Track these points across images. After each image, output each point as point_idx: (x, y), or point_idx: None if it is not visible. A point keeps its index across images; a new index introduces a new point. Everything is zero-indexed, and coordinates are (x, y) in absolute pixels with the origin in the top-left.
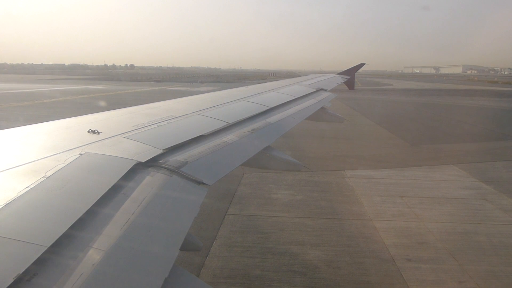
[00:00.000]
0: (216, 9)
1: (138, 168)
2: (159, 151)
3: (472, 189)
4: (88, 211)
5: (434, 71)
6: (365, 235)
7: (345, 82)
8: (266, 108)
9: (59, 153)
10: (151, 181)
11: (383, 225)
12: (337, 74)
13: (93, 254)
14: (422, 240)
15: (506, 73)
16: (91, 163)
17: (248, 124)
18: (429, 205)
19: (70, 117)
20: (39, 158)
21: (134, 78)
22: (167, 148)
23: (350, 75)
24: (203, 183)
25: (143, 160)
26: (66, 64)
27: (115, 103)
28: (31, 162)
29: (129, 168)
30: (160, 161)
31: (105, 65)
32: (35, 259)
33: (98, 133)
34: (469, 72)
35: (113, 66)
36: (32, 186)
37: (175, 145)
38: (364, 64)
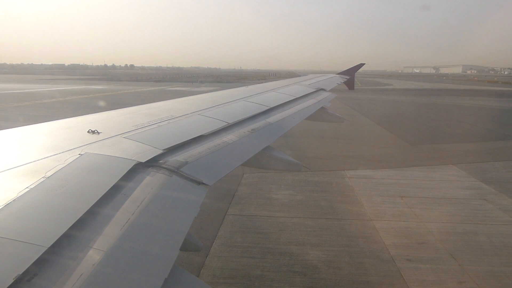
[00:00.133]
0: (216, 9)
1: (138, 168)
2: (159, 151)
3: (472, 189)
4: (88, 211)
5: (434, 71)
6: (365, 235)
7: (345, 82)
8: (266, 108)
9: (59, 153)
10: (151, 181)
11: (383, 225)
12: (337, 74)
13: (93, 254)
14: (422, 240)
15: (506, 73)
16: (91, 163)
17: (248, 124)
18: (429, 205)
19: (71, 117)
20: (39, 158)
21: (134, 78)
22: (167, 148)
23: (350, 75)
24: (203, 183)
25: (143, 160)
26: (66, 64)
27: (115, 103)
28: (31, 162)
29: (129, 168)
30: (160, 161)
31: (105, 65)
32: (35, 259)
33: (98, 133)
34: (469, 72)
35: (113, 66)
36: (32, 186)
37: (175, 145)
38: (364, 64)
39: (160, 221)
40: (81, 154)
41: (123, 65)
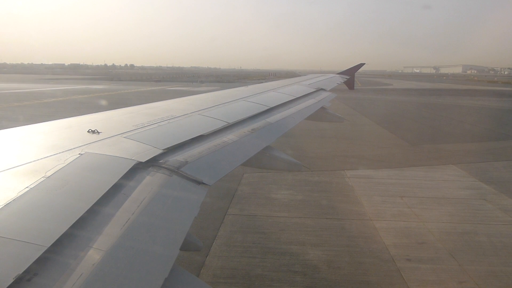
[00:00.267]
0: (216, 9)
1: (138, 168)
2: (159, 151)
3: (472, 189)
4: (88, 211)
5: (434, 71)
6: (365, 235)
7: (345, 82)
8: (266, 108)
9: (59, 153)
10: (151, 181)
11: (383, 225)
12: (337, 74)
13: (93, 254)
14: (422, 240)
15: (506, 73)
16: (91, 163)
17: (248, 124)
18: (429, 205)
19: (73, 116)
20: (39, 158)
21: (134, 78)
22: (167, 148)
23: (350, 75)
24: (203, 183)
25: (143, 160)
26: (66, 64)
27: (116, 102)
28: (31, 162)
29: (129, 168)
30: (160, 161)
31: (105, 65)
32: (35, 259)
33: (98, 133)
34: (469, 72)
35: (113, 66)
36: (32, 186)
37: (175, 145)
38: (364, 64)
39: (160, 221)
40: (81, 154)
41: (123, 65)
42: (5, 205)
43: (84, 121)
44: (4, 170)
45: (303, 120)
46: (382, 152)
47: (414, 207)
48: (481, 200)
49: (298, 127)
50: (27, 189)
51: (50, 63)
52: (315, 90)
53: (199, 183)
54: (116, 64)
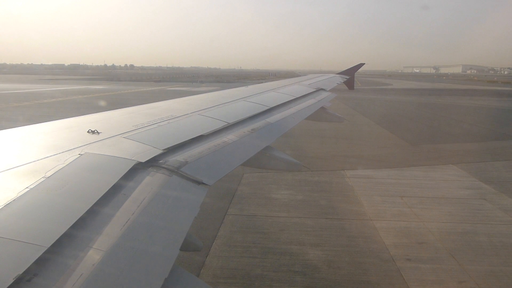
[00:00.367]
0: (216, 9)
1: (138, 168)
2: (159, 151)
3: (472, 189)
4: (88, 211)
5: (434, 71)
6: (365, 235)
7: (344, 82)
8: (266, 108)
9: (59, 153)
10: (151, 181)
11: (383, 225)
12: (337, 74)
13: (93, 254)
14: (422, 240)
15: (505, 72)
16: (91, 163)
17: (248, 124)
18: (429, 205)
19: (73, 116)
20: (39, 158)
21: (134, 78)
22: (167, 148)
23: (350, 75)
24: (203, 183)
25: (143, 160)
26: (66, 64)
27: (115, 103)
28: (31, 162)
29: (129, 168)
30: (160, 161)
31: (105, 65)
32: (35, 259)
33: (98, 133)
34: (468, 72)
35: (113, 66)
36: (32, 186)
37: (175, 145)
38: (364, 64)
39: (160, 221)
40: (81, 154)
41: (123, 65)
42: (5, 205)
43: (84, 121)
44: (4, 170)
45: (303, 120)
46: (382, 152)
47: (414, 207)
48: (481, 200)
49: (298, 127)
50: (27, 189)
51: (49, 63)
52: (315, 90)
53: (199, 183)
54: (116, 64)
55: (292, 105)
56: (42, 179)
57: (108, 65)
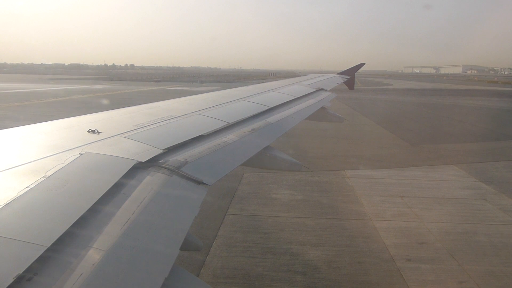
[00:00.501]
0: (216, 9)
1: (138, 168)
2: (159, 151)
3: (472, 189)
4: (88, 211)
5: (434, 71)
6: (365, 235)
7: (345, 82)
8: (266, 108)
9: (59, 153)
10: (151, 181)
11: (383, 225)
12: (337, 74)
13: (93, 254)
14: (422, 240)
15: (506, 73)
16: (91, 163)
17: (248, 124)
18: (429, 205)
19: (75, 116)
20: (39, 158)
21: (134, 78)
22: (167, 148)
23: (350, 75)
24: (203, 183)
25: (143, 160)
26: (66, 64)
27: (115, 102)
28: (31, 162)
29: (129, 168)
30: (160, 161)
31: (105, 65)
32: (35, 259)
33: (98, 133)
34: (469, 72)
35: (113, 66)
36: (32, 186)
37: (175, 145)
38: (364, 64)
39: (160, 221)
40: (81, 154)
41: (123, 64)
42: (5, 205)
43: (84, 121)
44: (4, 170)
45: (303, 120)
46: (382, 152)
47: (414, 207)
48: (481, 200)
49: (298, 127)
50: (27, 189)
51: (50, 63)
52: (315, 90)
53: (199, 183)
54: (116, 64)
55: (292, 105)
56: (42, 179)
57: (108, 65)
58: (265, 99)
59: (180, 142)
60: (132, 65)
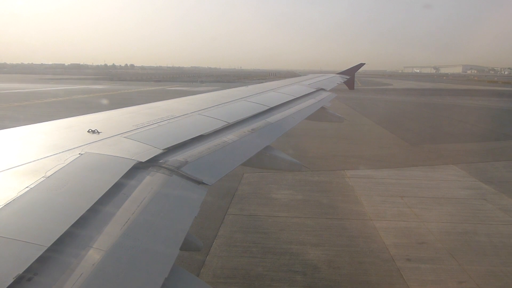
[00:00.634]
0: (216, 9)
1: (138, 168)
2: (159, 151)
3: (472, 189)
4: (88, 211)
5: (434, 71)
6: (365, 235)
7: (345, 82)
8: (266, 107)
9: (59, 153)
10: (151, 181)
11: (383, 225)
12: (337, 74)
13: (93, 254)
14: (422, 240)
15: (506, 73)
16: (91, 163)
17: (248, 124)
18: (429, 205)
19: (74, 116)
20: (39, 158)
21: (134, 78)
22: (167, 148)
23: (350, 75)
24: (203, 183)
25: (143, 160)
26: (66, 64)
27: (116, 102)
28: (31, 162)
29: (129, 168)
30: (160, 161)
31: (105, 64)
32: (35, 259)
33: (98, 132)
34: (469, 72)
35: (113, 66)
36: (32, 186)
37: (175, 144)
38: (364, 64)
39: (160, 221)
40: (81, 154)
41: (123, 64)
42: (5, 205)
43: (84, 121)
44: (4, 170)
45: (303, 120)
46: (382, 152)
47: (414, 207)
48: (481, 200)
49: (298, 127)
50: (27, 189)
51: (50, 63)
52: (315, 90)
53: (199, 183)
54: (116, 64)
55: (292, 105)
56: (42, 179)
57: (108, 64)
58: (265, 99)
59: (180, 142)
60: (132, 65)
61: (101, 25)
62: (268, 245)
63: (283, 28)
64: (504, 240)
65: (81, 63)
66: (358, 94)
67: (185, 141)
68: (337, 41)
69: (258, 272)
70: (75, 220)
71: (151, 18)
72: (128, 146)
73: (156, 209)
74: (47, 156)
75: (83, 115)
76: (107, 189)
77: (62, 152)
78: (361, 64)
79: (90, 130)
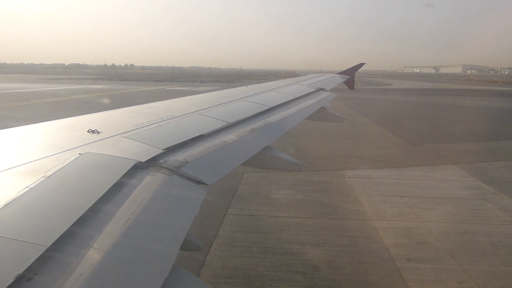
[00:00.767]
0: (216, 9)
1: (138, 168)
2: (159, 151)
3: (472, 189)
4: (88, 211)
5: (434, 71)
6: (365, 235)
7: (345, 82)
8: (266, 107)
9: (59, 152)
10: (151, 181)
11: (383, 225)
12: (337, 74)
13: (93, 254)
14: (422, 240)
15: (506, 73)
16: (91, 163)
17: (248, 124)
18: (429, 205)
19: (74, 116)
20: (39, 158)
21: (134, 78)
22: (167, 147)
23: (350, 75)
24: (203, 183)
25: (143, 160)
26: (66, 63)
27: (116, 102)
28: (31, 162)
29: (129, 168)
30: (160, 161)
31: (105, 64)
32: (35, 258)
33: (98, 132)
34: (469, 72)
35: (113, 66)
36: (32, 186)
37: (175, 144)
38: (364, 64)
39: (160, 221)
40: (81, 154)
41: (123, 64)
42: (5, 205)
43: (84, 120)
44: (4, 170)
45: (303, 120)
46: (382, 152)
47: (414, 207)
48: (481, 200)
49: (298, 127)
50: (27, 188)
51: (50, 63)
52: (315, 90)
53: (199, 182)
54: (116, 64)
55: (292, 105)
56: (42, 179)
57: (108, 64)
58: (265, 99)
59: (180, 142)
60: (132, 65)
61: (101, 25)
62: (268, 245)
63: (283, 28)
64: (504, 240)
65: (81, 63)
66: (358, 94)
67: (185, 141)
68: (337, 41)
69: (258, 272)
70: (75, 220)
71: (151, 18)
72: (128, 146)
73: (156, 209)
74: (47, 156)
75: (83, 115)
76: (107, 189)
77: (62, 152)
78: (361, 64)
79: (90, 130)
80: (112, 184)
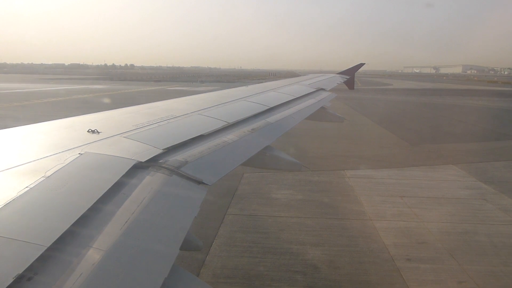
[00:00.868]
0: (216, 9)
1: (138, 168)
2: (159, 151)
3: (472, 189)
4: (87, 211)
5: (434, 71)
6: (365, 235)
7: (345, 82)
8: (266, 107)
9: (59, 152)
10: (151, 181)
11: (383, 225)
12: (337, 74)
13: (93, 254)
14: (422, 240)
15: (506, 73)
16: (91, 163)
17: (248, 124)
18: (429, 205)
19: (74, 116)
20: (39, 157)
21: (134, 78)
22: (167, 147)
23: (350, 75)
24: (203, 183)
25: (143, 160)
26: (66, 63)
27: (116, 102)
28: (31, 162)
29: (129, 168)
30: (160, 161)
31: (105, 64)
32: (35, 258)
33: (98, 132)
34: (469, 72)
35: (113, 66)
36: (32, 186)
37: (175, 144)
38: (364, 64)
39: (160, 221)
40: (81, 154)
41: (123, 64)
42: (5, 205)
43: (84, 120)
44: (4, 170)
45: (303, 120)
46: (382, 152)
47: (414, 207)
48: (481, 200)
49: (298, 127)
50: (27, 188)
51: (50, 63)
52: (315, 90)
53: (199, 182)
54: (116, 64)
55: (292, 105)
56: (42, 179)
57: (108, 64)
58: (265, 99)
59: (180, 142)
60: (132, 65)
61: (101, 25)
62: (268, 245)
63: (283, 28)
64: (504, 240)
65: (81, 63)
66: (358, 94)
67: (185, 141)
68: (337, 41)
69: (258, 271)
70: (75, 220)
71: (151, 18)
72: (128, 146)
73: (156, 209)
74: (47, 156)
75: (83, 115)
76: (107, 189)
77: (62, 152)
78: (361, 64)
79: (90, 130)
80: (112, 184)
